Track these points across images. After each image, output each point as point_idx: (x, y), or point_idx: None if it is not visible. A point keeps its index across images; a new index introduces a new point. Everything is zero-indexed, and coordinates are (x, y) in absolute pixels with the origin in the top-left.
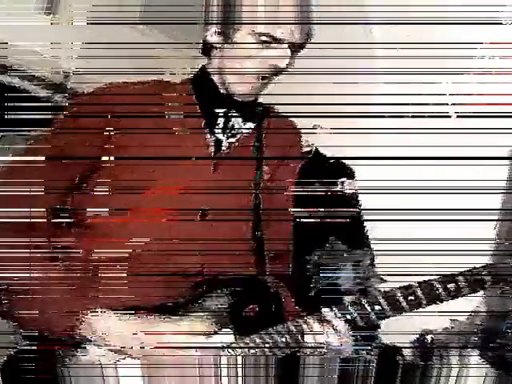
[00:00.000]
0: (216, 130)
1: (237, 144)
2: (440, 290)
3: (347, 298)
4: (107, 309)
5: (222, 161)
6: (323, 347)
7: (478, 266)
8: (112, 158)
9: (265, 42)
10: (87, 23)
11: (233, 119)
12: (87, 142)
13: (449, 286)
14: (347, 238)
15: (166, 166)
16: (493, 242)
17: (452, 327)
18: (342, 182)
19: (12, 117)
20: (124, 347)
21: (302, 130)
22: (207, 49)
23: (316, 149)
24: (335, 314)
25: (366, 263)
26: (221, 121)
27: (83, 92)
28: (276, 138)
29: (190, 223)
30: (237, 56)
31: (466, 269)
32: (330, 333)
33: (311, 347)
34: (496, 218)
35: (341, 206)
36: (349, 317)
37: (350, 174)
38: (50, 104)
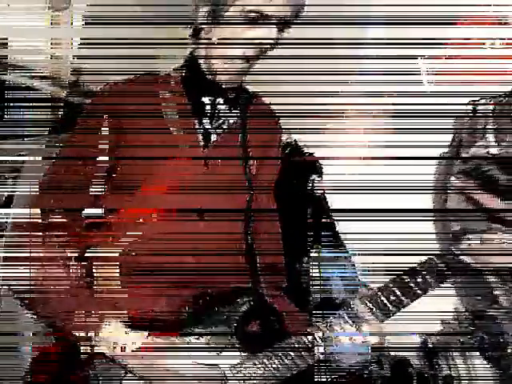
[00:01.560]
0: (204, 120)
1: (224, 135)
2: (412, 284)
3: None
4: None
5: (212, 154)
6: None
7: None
8: (106, 158)
9: (254, 18)
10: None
11: (219, 107)
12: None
13: (417, 279)
14: (326, 242)
15: (159, 164)
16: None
17: (444, 329)
18: (313, 181)
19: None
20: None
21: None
22: (196, 31)
23: (295, 142)
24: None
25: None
26: (208, 109)
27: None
28: (259, 129)
29: (188, 223)
30: (224, 36)
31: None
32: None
33: (320, 365)
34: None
35: (311, 206)
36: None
37: (319, 172)
38: (50, 104)
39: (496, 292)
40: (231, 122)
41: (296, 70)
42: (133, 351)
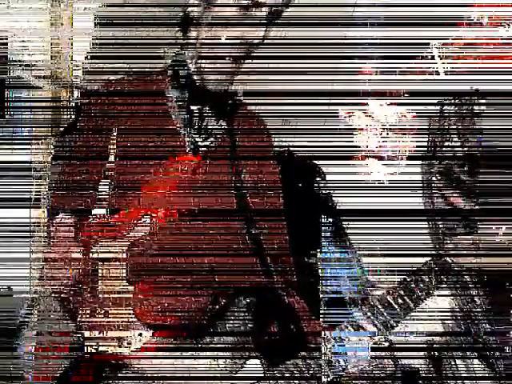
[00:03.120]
0: (192, 131)
1: (213, 147)
2: (415, 288)
3: (355, 310)
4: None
5: (201, 164)
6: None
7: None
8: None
9: (245, 6)
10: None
11: (206, 116)
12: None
13: (419, 282)
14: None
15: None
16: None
17: (446, 330)
18: (318, 183)
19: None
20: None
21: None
22: (186, 24)
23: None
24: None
25: (357, 265)
26: (196, 119)
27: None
28: (249, 138)
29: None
30: (214, 29)
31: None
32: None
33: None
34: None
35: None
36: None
37: (322, 174)
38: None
39: (472, 292)
40: (219, 132)
41: (284, 70)
42: (134, 350)
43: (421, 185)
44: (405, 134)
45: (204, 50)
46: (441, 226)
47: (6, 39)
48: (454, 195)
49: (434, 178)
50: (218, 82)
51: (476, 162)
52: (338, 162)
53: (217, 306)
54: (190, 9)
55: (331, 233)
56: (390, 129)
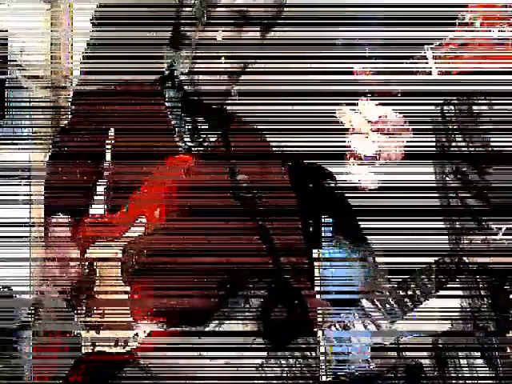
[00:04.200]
0: (185, 139)
1: (208, 148)
2: (426, 281)
3: (364, 301)
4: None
5: (195, 166)
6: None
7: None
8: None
9: (239, 21)
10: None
11: (200, 126)
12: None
13: (431, 277)
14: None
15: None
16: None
17: (453, 329)
18: (329, 184)
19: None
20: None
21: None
22: (177, 39)
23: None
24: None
25: (371, 261)
26: (189, 129)
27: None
28: (244, 142)
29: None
30: (208, 44)
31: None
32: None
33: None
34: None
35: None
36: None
37: (331, 176)
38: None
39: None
40: (212, 140)
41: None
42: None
43: (417, 185)
44: (398, 134)
45: (199, 62)
46: (457, 225)
47: (6, 39)
48: (464, 195)
49: (447, 178)
50: (213, 90)
51: (478, 161)
52: (333, 162)
53: (223, 292)
54: (182, 18)
55: (337, 232)
56: (383, 129)
